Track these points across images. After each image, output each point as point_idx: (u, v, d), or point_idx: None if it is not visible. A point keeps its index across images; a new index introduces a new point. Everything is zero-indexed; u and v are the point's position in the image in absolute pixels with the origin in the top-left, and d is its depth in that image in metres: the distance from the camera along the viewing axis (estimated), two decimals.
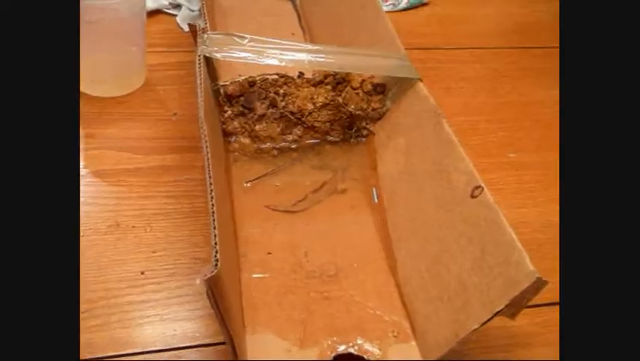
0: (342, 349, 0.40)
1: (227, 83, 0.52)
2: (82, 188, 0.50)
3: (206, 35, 0.50)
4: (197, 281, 0.42)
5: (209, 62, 0.50)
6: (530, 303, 0.35)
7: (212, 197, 0.35)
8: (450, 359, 0.38)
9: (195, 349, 0.41)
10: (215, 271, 0.30)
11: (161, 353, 0.40)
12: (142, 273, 0.44)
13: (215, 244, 0.32)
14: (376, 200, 0.51)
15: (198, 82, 0.43)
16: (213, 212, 0.34)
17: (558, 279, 0.33)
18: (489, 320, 0.35)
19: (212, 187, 0.35)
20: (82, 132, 0.54)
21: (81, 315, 0.41)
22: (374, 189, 0.52)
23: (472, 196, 0.41)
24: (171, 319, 0.42)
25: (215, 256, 0.31)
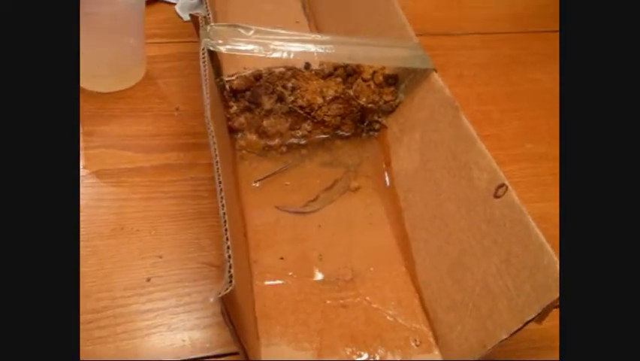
0: (362, 360, 0.38)
1: (233, 77, 0.50)
2: (82, 190, 0.47)
3: (209, 27, 0.47)
4: (211, 300, 0.40)
5: (212, 55, 0.48)
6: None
7: (222, 204, 0.32)
8: None
9: None
10: (231, 288, 0.28)
11: None
12: (148, 280, 0.42)
13: (229, 257, 0.29)
14: (388, 183, 0.49)
15: (203, 78, 0.41)
16: (225, 221, 0.32)
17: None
18: (519, 329, 0.34)
19: (223, 194, 0.33)
20: (81, 130, 0.52)
21: (85, 326, 0.39)
22: (386, 175, 0.50)
23: (496, 196, 0.39)
24: (180, 328, 0.40)
25: (229, 271, 0.29)
